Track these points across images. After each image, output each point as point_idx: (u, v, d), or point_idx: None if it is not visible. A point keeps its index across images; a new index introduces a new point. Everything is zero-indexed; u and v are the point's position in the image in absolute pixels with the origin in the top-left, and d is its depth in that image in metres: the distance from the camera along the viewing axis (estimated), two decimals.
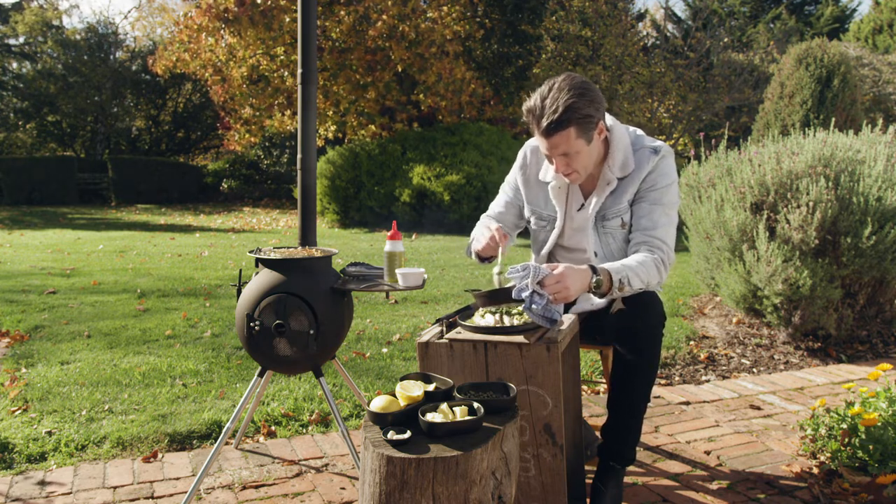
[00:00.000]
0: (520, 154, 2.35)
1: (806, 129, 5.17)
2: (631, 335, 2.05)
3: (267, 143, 20.69)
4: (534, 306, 1.83)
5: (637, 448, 2.19)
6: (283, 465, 2.51)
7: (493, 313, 2.02)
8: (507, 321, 1.96)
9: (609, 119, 2.16)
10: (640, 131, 2.23)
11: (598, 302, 2.21)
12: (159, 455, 2.59)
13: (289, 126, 13.96)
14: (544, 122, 2.00)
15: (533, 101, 2.04)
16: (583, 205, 2.25)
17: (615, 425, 2.12)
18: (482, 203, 11.19)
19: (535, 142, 2.31)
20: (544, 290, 1.84)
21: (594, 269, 1.94)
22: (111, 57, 23.39)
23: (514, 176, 2.36)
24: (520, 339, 1.87)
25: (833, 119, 5.12)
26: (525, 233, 2.48)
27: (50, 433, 2.72)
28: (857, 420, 2.36)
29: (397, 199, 11.56)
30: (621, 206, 2.16)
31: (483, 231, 2.20)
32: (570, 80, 2.02)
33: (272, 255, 2.29)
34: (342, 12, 12.41)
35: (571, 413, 2.17)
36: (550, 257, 2.35)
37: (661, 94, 13.94)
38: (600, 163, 2.17)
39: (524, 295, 1.84)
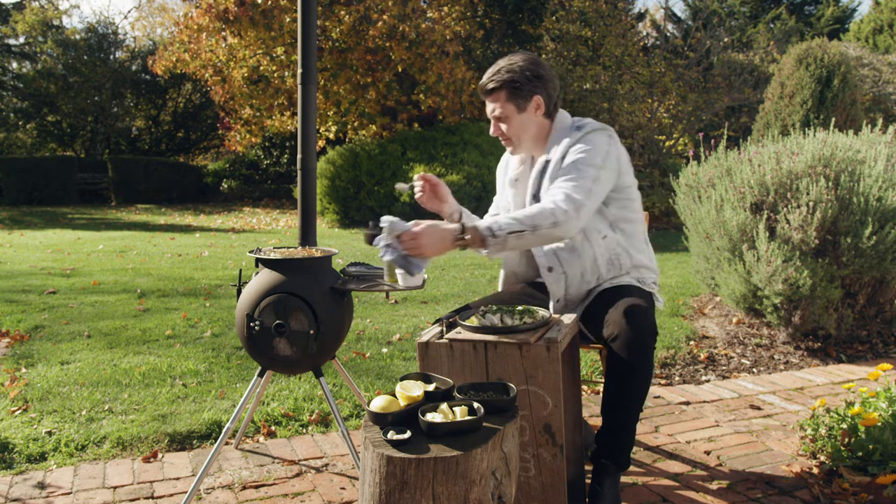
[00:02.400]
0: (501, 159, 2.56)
1: (806, 129, 5.17)
2: (623, 347, 2.02)
3: (267, 144, 20.66)
4: (386, 257, 1.96)
5: (632, 453, 2.18)
6: (283, 465, 2.51)
7: (494, 313, 2.02)
8: (507, 321, 1.97)
9: (561, 112, 2.30)
10: (587, 119, 2.31)
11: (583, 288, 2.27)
12: (159, 455, 2.60)
13: (289, 126, 13.95)
14: (483, 82, 2.25)
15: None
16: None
17: (609, 432, 2.11)
18: (482, 203, 11.19)
19: None
20: (401, 244, 1.96)
21: (463, 227, 2.01)
22: (111, 57, 23.38)
23: (498, 180, 2.55)
24: (520, 338, 1.87)
25: (833, 119, 5.11)
26: None
27: (50, 433, 2.73)
28: (857, 420, 2.36)
29: (397, 199, 11.54)
30: None
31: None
32: (524, 55, 2.25)
33: (272, 255, 2.29)
34: (342, 12, 12.41)
35: (571, 413, 2.17)
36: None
37: (661, 94, 13.92)
38: (541, 144, 2.30)
39: (380, 245, 1.98)
